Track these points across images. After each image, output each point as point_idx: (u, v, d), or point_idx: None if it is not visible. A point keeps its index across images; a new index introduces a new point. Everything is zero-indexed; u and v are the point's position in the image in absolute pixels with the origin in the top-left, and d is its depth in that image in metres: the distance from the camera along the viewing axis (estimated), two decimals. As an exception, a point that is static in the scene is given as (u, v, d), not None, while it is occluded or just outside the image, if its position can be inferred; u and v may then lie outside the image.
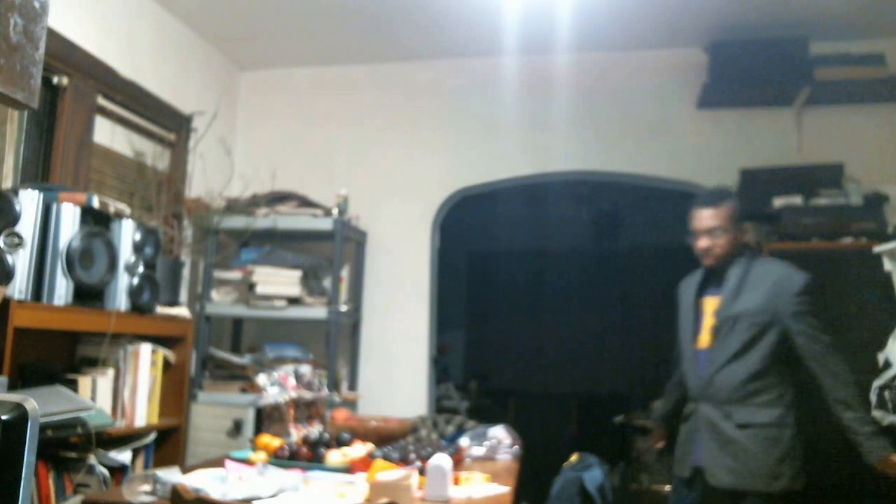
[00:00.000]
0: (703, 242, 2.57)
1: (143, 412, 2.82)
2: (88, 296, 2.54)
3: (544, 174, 4.09)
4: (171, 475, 1.97)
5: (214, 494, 1.80)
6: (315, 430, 2.78)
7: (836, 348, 2.40)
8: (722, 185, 2.78)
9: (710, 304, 2.59)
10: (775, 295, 2.45)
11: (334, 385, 3.64)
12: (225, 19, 3.74)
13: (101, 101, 3.17)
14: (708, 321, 2.57)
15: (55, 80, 2.90)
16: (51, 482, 2.30)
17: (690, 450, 2.54)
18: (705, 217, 2.56)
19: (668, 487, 4.90)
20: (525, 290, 6.80)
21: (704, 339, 2.56)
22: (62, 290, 2.40)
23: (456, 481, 2.18)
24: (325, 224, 3.69)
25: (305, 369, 3.11)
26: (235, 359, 3.62)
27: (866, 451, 2.28)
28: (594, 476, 2.53)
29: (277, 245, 3.77)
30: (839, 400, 2.34)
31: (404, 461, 2.30)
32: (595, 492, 2.48)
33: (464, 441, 2.85)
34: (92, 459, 2.39)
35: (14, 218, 2.24)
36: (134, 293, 2.74)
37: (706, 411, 2.50)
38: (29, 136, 2.78)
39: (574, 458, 2.70)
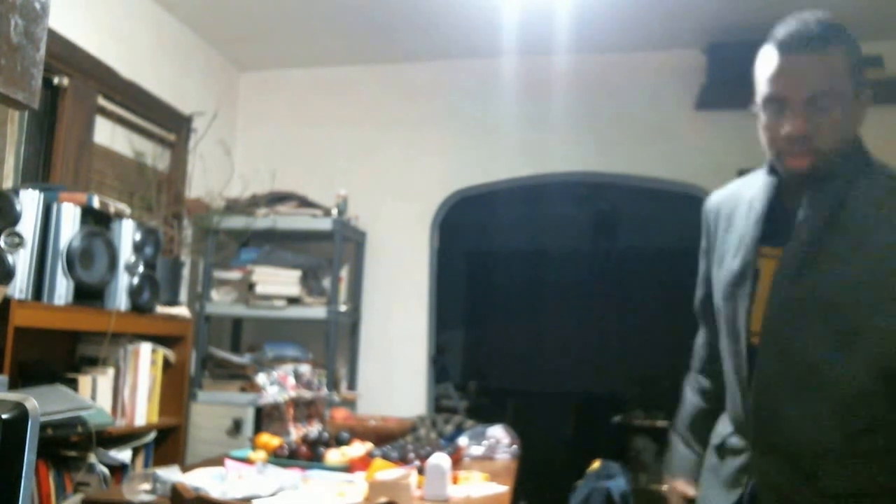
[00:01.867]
0: (798, 124, 1.32)
1: (143, 411, 2.82)
2: (89, 295, 2.55)
3: (543, 175, 4.09)
4: (171, 474, 1.98)
5: (214, 493, 1.81)
6: (314, 429, 2.79)
7: None
8: (814, 15, 1.37)
9: (771, 262, 1.40)
10: None
11: (333, 384, 3.64)
12: (225, 20, 3.75)
13: (102, 101, 3.18)
14: (763, 293, 1.40)
15: (56, 80, 2.91)
16: (51, 481, 2.31)
17: None
18: (807, 71, 1.31)
19: (666, 487, 4.91)
20: (524, 291, 6.81)
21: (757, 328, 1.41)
22: (62, 289, 2.40)
23: (455, 480, 2.18)
24: (325, 224, 3.70)
25: (305, 369, 3.12)
26: (235, 358, 3.62)
27: None
28: (619, 485, 2.53)
29: (277, 245, 3.77)
30: None
31: (403, 460, 2.31)
32: (620, 501, 2.48)
33: (463, 440, 2.86)
34: (92, 458, 2.40)
35: (14, 218, 2.25)
36: (134, 293, 2.74)
37: (766, 467, 1.40)
38: (29, 137, 2.79)
39: (596, 465, 2.67)
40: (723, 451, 1.52)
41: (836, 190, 1.36)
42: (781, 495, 1.39)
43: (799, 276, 1.35)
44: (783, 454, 1.39)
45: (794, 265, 1.36)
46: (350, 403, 3.80)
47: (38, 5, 0.95)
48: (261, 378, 2.91)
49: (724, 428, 1.55)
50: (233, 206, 3.80)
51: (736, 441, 1.48)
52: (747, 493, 1.43)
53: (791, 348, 1.37)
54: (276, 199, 3.81)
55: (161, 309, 2.99)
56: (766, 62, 1.39)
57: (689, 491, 1.65)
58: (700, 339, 1.73)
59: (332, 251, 3.68)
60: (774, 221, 1.42)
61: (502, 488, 2.19)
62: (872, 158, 1.47)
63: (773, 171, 1.46)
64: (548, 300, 6.73)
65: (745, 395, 1.43)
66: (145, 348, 2.85)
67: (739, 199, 1.53)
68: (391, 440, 2.67)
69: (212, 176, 3.90)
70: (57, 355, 2.69)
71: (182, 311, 3.14)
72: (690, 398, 1.73)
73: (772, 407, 1.39)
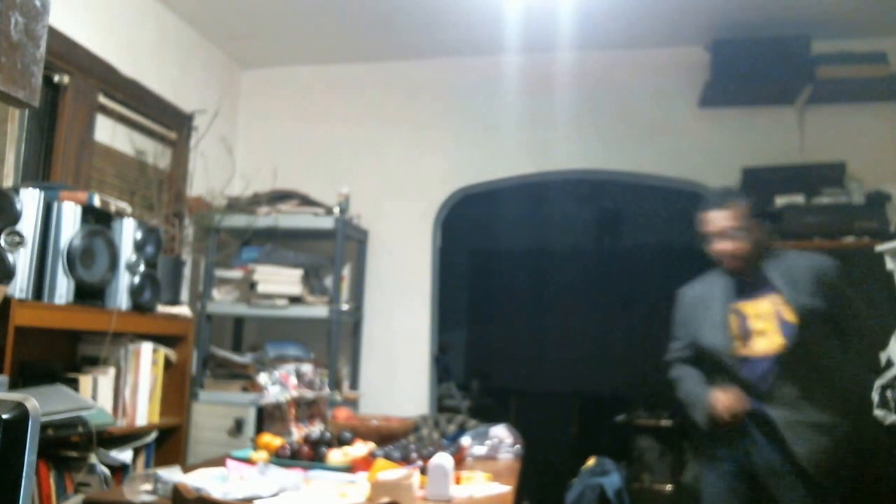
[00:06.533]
0: (721, 245, 2.46)
1: (144, 411, 2.81)
2: (89, 295, 2.54)
3: (546, 173, 4.08)
4: (173, 474, 1.96)
5: (216, 494, 1.80)
6: (316, 429, 2.78)
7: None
8: (727, 186, 2.68)
9: (754, 307, 2.47)
10: (822, 287, 2.40)
11: (335, 384, 3.63)
12: (226, 18, 3.73)
13: (103, 99, 3.17)
14: (759, 324, 2.44)
15: (56, 78, 2.90)
16: (52, 481, 2.30)
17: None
18: (722, 218, 2.46)
19: (669, 487, 4.89)
20: (527, 289, 6.79)
21: (762, 344, 2.42)
22: (63, 288, 2.39)
23: (457, 480, 2.17)
24: (327, 223, 3.69)
25: (307, 368, 3.11)
26: (237, 358, 3.61)
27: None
28: (613, 481, 2.52)
29: (279, 244, 3.76)
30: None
31: (406, 460, 2.30)
32: (615, 497, 2.47)
33: (465, 440, 2.84)
34: (93, 458, 2.39)
35: (15, 217, 2.24)
36: (135, 292, 2.73)
37: (770, 412, 2.37)
38: (30, 135, 2.78)
39: (591, 461, 2.66)
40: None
41: (777, 267, 2.47)
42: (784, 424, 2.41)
43: (795, 306, 2.41)
44: (785, 401, 2.41)
45: (791, 301, 2.42)
46: (352, 403, 3.79)
47: (38, 3, 0.93)
48: (262, 378, 2.89)
49: None
50: (234, 205, 3.79)
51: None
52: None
53: (799, 345, 2.39)
54: (278, 197, 3.80)
55: (162, 308, 2.98)
56: (703, 215, 2.52)
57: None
58: None
59: (334, 250, 3.67)
60: (739, 290, 2.50)
61: (505, 488, 2.18)
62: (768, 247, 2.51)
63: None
64: (551, 299, 6.71)
65: (754, 377, 2.43)
66: (146, 348, 2.84)
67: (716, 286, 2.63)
68: (393, 440, 2.65)
69: (213, 174, 3.89)
70: (58, 355, 2.68)
71: (183, 310, 3.13)
72: None
73: (784, 377, 2.43)
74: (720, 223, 2.45)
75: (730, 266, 2.48)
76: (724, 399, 2.38)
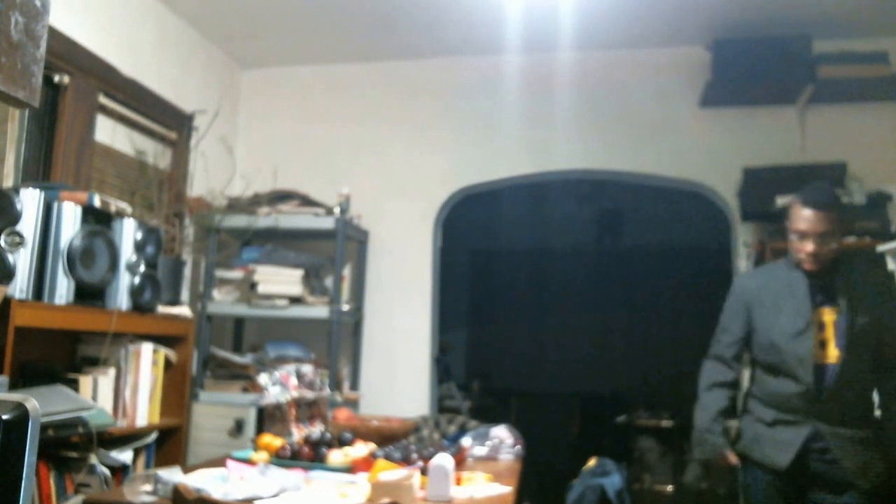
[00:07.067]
0: (810, 247, 2.36)
1: (145, 412, 2.81)
2: (90, 295, 2.53)
3: (547, 173, 4.08)
4: (173, 475, 1.96)
5: (216, 494, 1.80)
6: (317, 429, 2.78)
7: None
8: (825, 184, 2.58)
9: (819, 314, 2.41)
10: (880, 304, 2.40)
11: (336, 384, 3.63)
12: (227, 17, 3.73)
13: (103, 99, 3.17)
14: (820, 333, 2.40)
15: (56, 78, 2.90)
16: (52, 482, 2.30)
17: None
18: (820, 220, 2.35)
19: (670, 487, 4.89)
20: (528, 290, 6.79)
21: (824, 353, 2.38)
22: (63, 289, 2.39)
23: (458, 481, 2.17)
24: (327, 223, 3.69)
25: (307, 369, 3.10)
26: (237, 358, 3.61)
27: None
28: (614, 482, 2.51)
29: (279, 244, 3.76)
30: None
31: (406, 461, 2.29)
32: (615, 498, 2.46)
33: (466, 441, 2.84)
34: (93, 459, 2.38)
35: (15, 217, 2.23)
36: (135, 292, 2.73)
37: (822, 428, 2.36)
38: (30, 135, 2.77)
39: (592, 462, 2.65)
40: (770, 425, 2.46)
41: (846, 278, 2.42)
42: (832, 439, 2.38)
43: (855, 319, 2.37)
44: (836, 417, 2.38)
45: (851, 314, 2.37)
46: (353, 403, 3.79)
47: (38, 3, 0.93)
48: (263, 378, 2.89)
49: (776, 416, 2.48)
50: (234, 205, 3.79)
51: (781, 419, 2.48)
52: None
53: (855, 357, 2.38)
54: (278, 197, 3.80)
55: (162, 308, 2.97)
56: (802, 210, 2.39)
57: None
58: None
59: (335, 250, 3.67)
60: (814, 295, 2.43)
61: (506, 489, 2.18)
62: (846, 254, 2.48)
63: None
64: (552, 299, 6.71)
65: (817, 386, 2.40)
66: (146, 348, 2.83)
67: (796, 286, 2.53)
68: (394, 441, 2.65)
69: (213, 174, 3.89)
70: (58, 355, 2.67)
71: (183, 310, 3.13)
72: None
73: (840, 391, 2.43)
74: (814, 225, 2.35)
75: (807, 267, 2.41)
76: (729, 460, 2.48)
